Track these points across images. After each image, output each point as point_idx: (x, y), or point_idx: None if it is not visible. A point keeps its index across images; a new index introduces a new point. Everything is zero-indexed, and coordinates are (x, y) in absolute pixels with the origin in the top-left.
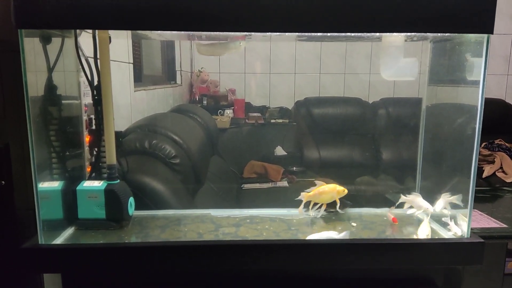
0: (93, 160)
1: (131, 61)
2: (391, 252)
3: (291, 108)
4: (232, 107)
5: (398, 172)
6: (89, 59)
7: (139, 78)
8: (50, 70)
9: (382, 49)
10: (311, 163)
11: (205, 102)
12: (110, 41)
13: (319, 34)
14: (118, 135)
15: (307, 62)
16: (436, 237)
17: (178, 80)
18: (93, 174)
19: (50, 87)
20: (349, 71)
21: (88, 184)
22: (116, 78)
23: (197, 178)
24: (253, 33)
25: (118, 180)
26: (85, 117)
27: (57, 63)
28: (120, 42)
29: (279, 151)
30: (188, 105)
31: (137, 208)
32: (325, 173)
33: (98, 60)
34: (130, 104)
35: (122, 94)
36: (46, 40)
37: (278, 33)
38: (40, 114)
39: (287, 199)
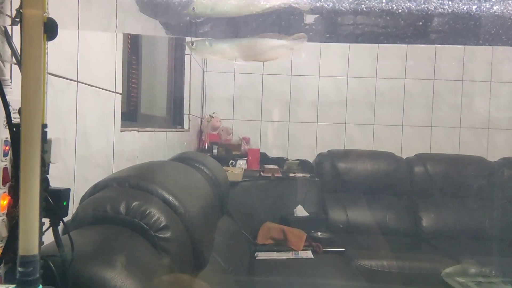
0: (7, 241)
1: (119, 90)
2: None
3: (313, 161)
4: (246, 158)
5: (444, 242)
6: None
7: (133, 116)
8: None
9: None
10: (337, 228)
11: (215, 151)
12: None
13: None
14: (58, 194)
15: (331, 110)
16: None
17: (186, 125)
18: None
19: None
20: (379, 122)
21: None
22: (90, 109)
23: (198, 257)
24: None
25: (40, 287)
26: (3, 164)
27: None
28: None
29: (300, 211)
30: (194, 153)
31: None
32: (355, 240)
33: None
34: (112, 148)
35: (99, 133)
36: None
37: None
38: None
39: (312, 274)
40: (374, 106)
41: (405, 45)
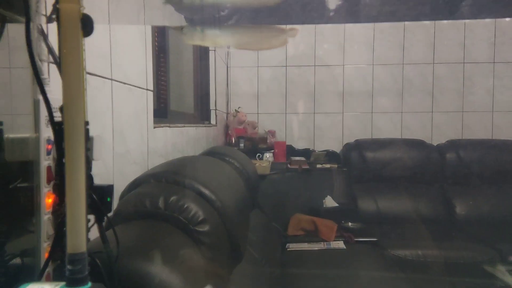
0: (54, 239)
1: (151, 87)
2: None
3: (339, 152)
4: (272, 151)
5: (479, 230)
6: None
7: (164, 113)
8: None
9: None
10: (368, 218)
11: (242, 145)
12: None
13: None
14: (102, 191)
15: (357, 99)
16: None
17: (213, 120)
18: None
19: None
20: (407, 109)
21: None
22: (125, 106)
23: (235, 250)
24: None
25: (89, 284)
26: (47, 163)
27: None
28: (132, 57)
29: (330, 202)
30: (224, 147)
31: None
32: (387, 230)
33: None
34: (146, 145)
35: (134, 130)
36: None
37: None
38: None
39: (345, 265)
40: (401, 93)
41: (432, 29)
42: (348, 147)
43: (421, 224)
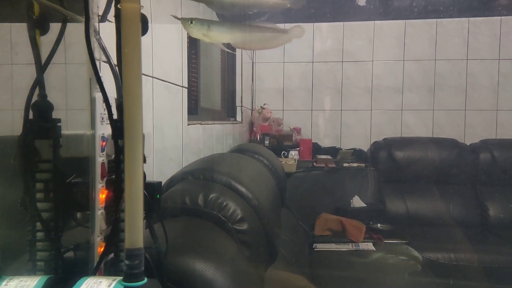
0: (110, 234)
1: (185, 84)
2: None
3: (367, 150)
4: (298, 148)
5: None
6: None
7: (195, 110)
8: (38, 81)
9: None
10: (397, 219)
11: (267, 142)
12: (145, 29)
13: None
14: (152, 188)
15: (386, 96)
16: None
17: (239, 117)
18: (108, 261)
19: (41, 106)
20: (439, 107)
21: (91, 284)
22: (163, 103)
23: (271, 249)
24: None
25: (145, 279)
26: (101, 159)
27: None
28: (170, 54)
29: (357, 202)
30: (251, 144)
31: None
32: (417, 232)
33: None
34: (181, 141)
35: (170, 127)
36: (37, 25)
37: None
38: (19, 154)
39: (375, 267)
40: (433, 90)
41: (466, 23)
42: (376, 146)
43: (453, 227)
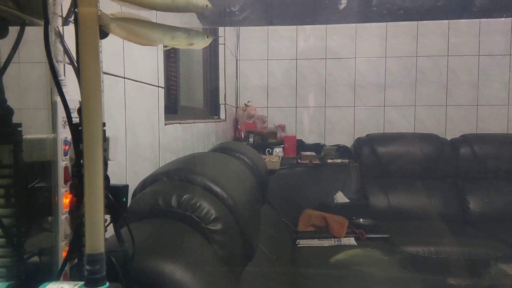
0: (72, 239)
1: (162, 84)
2: None
3: (351, 146)
4: (282, 145)
5: (493, 227)
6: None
7: (174, 109)
8: None
9: None
10: (379, 214)
11: (251, 139)
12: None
13: None
14: (118, 191)
15: (368, 93)
16: None
17: (222, 115)
18: (74, 266)
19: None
20: (420, 103)
21: None
22: (137, 104)
23: (247, 248)
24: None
25: (107, 284)
26: (64, 163)
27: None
28: (143, 54)
29: (340, 197)
30: (234, 143)
31: None
32: (399, 226)
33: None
34: (158, 141)
35: (145, 127)
36: None
37: None
38: None
39: (357, 261)
40: (415, 86)
41: (446, 21)
42: (359, 142)
43: (434, 221)
